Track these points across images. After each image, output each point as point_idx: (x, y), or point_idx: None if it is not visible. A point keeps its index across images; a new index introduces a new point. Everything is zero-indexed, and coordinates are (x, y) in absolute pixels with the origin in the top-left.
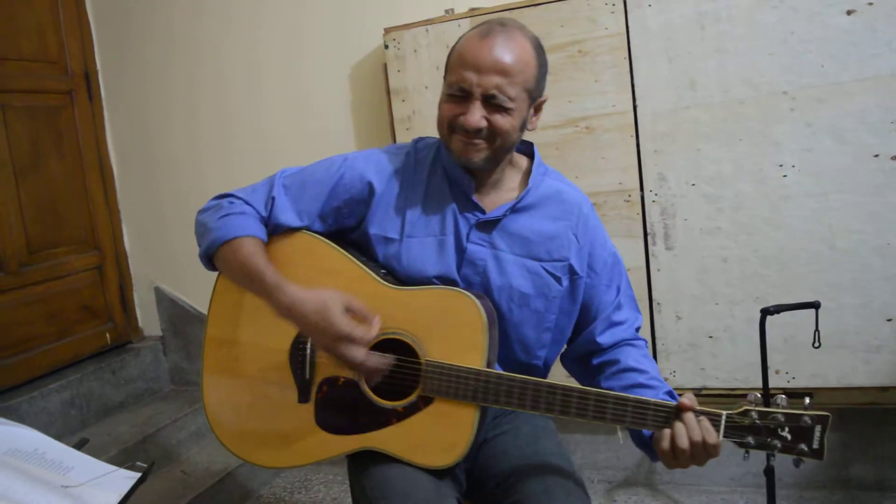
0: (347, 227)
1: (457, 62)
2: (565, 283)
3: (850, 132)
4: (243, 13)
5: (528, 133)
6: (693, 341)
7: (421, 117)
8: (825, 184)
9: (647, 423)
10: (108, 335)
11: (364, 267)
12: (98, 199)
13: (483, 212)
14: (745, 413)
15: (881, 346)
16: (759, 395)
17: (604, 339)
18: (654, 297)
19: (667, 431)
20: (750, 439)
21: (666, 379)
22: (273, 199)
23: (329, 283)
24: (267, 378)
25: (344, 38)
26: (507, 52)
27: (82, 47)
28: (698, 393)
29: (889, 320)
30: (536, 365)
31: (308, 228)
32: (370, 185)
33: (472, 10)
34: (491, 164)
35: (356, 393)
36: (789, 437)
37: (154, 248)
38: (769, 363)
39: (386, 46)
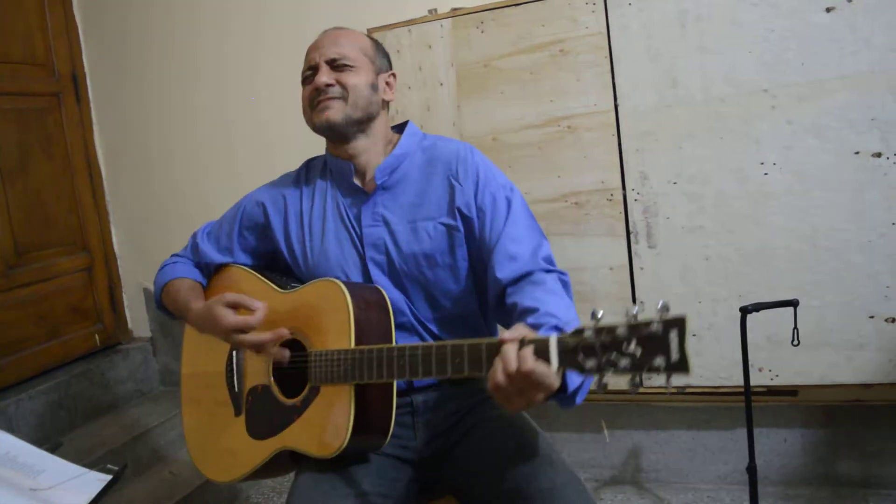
0: (269, 251)
1: (306, 58)
2: (461, 227)
3: (831, 130)
4: (233, 15)
5: (516, 133)
6: None
7: (403, 117)
8: (807, 181)
9: (483, 368)
10: (97, 336)
11: (268, 282)
12: (86, 200)
13: (366, 193)
14: (579, 332)
15: (864, 343)
16: (602, 312)
17: (503, 274)
18: (637, 295)
19: (496, 362)
20: (589, 362)
21: (649, 378)
22: (198, 247)
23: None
24: (214, 399)
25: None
26: (339, 34)
27: (70, 50)
28: (682, 391)
29: (872, 317)
30: (472, 312)
31: (235, 261)
32: (262, 206)
33: (455, 10)
34: (350, 122)
35: (269, 396)
36: (638, 351)
37: (143, 249)
38: (753, 361)
39: None
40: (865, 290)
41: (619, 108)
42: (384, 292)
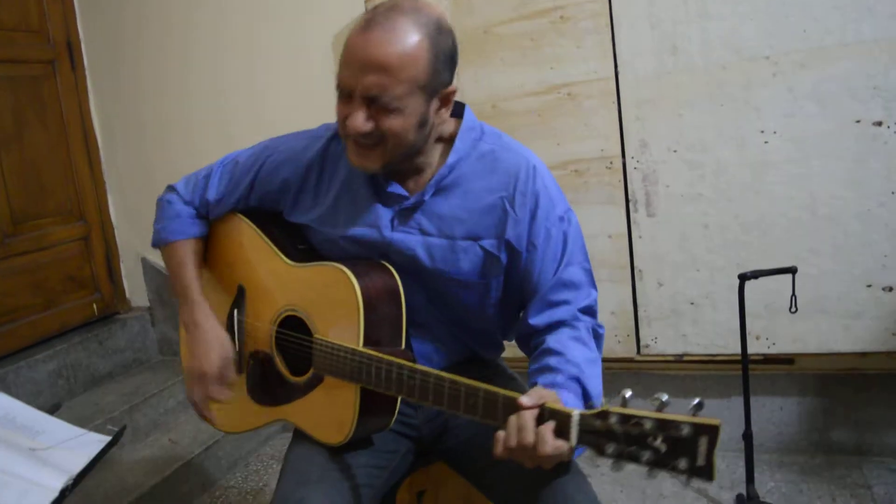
0: (278, 210)
1: (342, 57)
2: (504, 259)
3: (832, 98)
4: None
5: (505, 107)
6: (675, 308)
7: None
8: (806, 150)
9: (499, 417)
10: (95, 306)
11: (275, 246)
12: (83, 169)
13: (406, 197)
14: (604, 415)
15: (861, 311)
16: (630, 394)
17: (537, 321)
18: (635, 264)
19: (511, 419)
20: (610, 447)
21: (647, 346)
22: (206, 192)
23: (249, 260)
24: None
25: (325, 6)
26: (387, 46)
27: (64, 16)
28: (680, 359)
29: (869, 286)
30: (491, 330)
31: (240, 209)
32: (285, 182)
33: None
34: (390, 167)
35: (272, 367)
36: (663, 448)
37: (140, 218)
38: (750, 329)
39: None
40: (863, 258)
41: (620, 76)
42: (397, 278)
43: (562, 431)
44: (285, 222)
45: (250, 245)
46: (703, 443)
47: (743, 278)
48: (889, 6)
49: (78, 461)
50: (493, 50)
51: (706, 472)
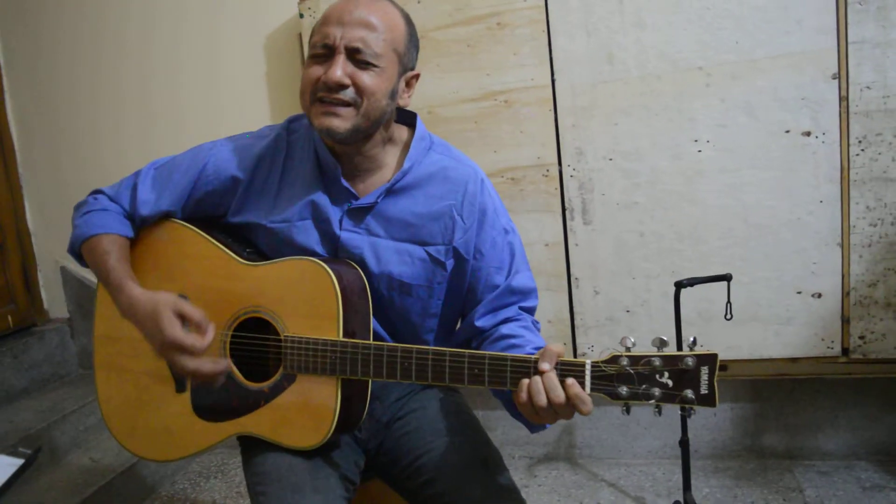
0: (216, 214)
1: (321, 22)
2: (450, 266)
3: (763, 108)
4: None
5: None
6: (611, 315)
7: None
8: (738, 159)
9: (507, 381)
10: (9, 318)
11: (225, 249)
12: None
13: (356, 197)
14: (614, 359)
15: (791, 318)
16: (633, 341)
17: (484, 322)
18: (572, 271)
19: (524, 382)
20: (623, 389)
21: (584, 354)
22: (136, 193)
23: (191, 267)
24: (147, 370)
25: (259, 6)
26: (373, 8)
27: None
28: None
29: (799, 293)
30: (424, 340)
31: (174, 216)
32: (233, 179)
33: None
34: (356, 135)
35: (228, 378)
36: (670, 382)
37: (59, 226)
38: (685, 336)
39: (301, 15)
40: (793, 265)
41: (556, 83)
42: (362, 272)
43: (578, 381)
44: (225, 227)
45: (193, 251)
46: (705, 372)
47: (679, 286)
48: (816, 20)
49: None
50: (430, 55)
51: (710, 399)
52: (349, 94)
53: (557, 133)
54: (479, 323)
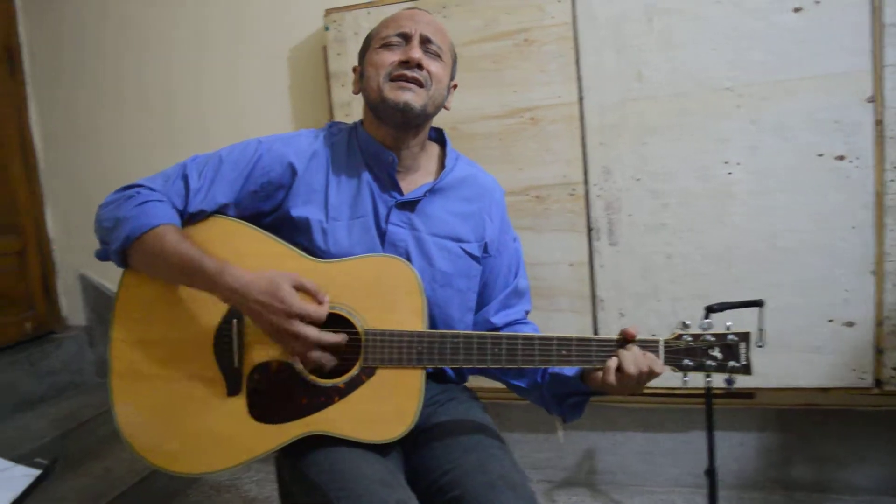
0: (262, 211)
1: (389, 22)
2: (482, 261)
3: (794, 131)
4: None
5: (476, 123)
6: None
7: (361, 102)
8: (769, 182)
9: (592, 359)
10: (28, 324)
11: (287, 245)
12: (19, 180)
13: (401, 193)
14: (680, 337)
15: (822, 346)
16: (685, 323)
17: (497, 319)
18: (596, 293)
19: (612, 361)
20: (687, 361)
21: None
22: (187, 186)
23: (253, 266)
24: (189, 374)
25: (283, 20)
26: (431, 18)
27: (5, 21)
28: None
29: (830, 321)
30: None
31: (222, 213)
32: (291, 167)
33: None
34: (423, 115)
35: (292, 376)
36: (720, 355)
37: (80, 233)
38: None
39: (326, 28)
40: (824, 293)
41: (584, 101)
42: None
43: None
44: (267, 226)
45: (256, 246)
46: (742, 347)
47: (710, 310)
48: (850, 41)
49: (2, 498)
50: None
51: (747, 369)
52: (424, 76)
53: (584, 151)
54: (493, 319)
